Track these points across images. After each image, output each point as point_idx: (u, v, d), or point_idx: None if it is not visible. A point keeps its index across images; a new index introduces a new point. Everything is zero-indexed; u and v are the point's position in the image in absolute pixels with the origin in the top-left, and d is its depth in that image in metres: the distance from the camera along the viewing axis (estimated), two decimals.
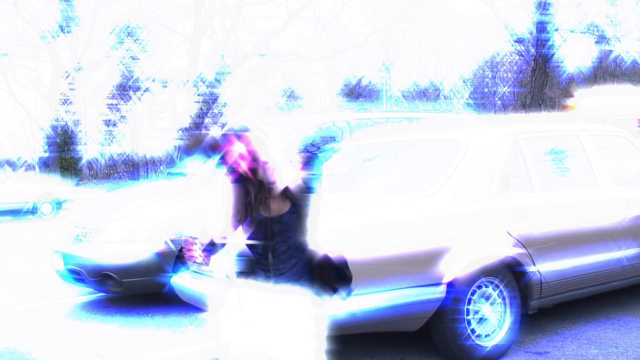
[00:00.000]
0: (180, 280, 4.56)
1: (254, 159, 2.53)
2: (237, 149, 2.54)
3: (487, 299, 4.05)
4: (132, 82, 31.56)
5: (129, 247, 5.49)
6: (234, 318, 2.68)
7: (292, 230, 2.61)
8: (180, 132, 29.85)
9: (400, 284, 3.71)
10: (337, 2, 33.44)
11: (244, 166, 2.54)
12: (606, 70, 31.78)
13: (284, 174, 2.56)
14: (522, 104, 23.95)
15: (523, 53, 22.46)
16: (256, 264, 2.64)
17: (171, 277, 4.87)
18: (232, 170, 2.56)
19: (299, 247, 2.62)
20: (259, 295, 2.63)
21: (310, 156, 2.68)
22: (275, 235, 2.60)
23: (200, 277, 4.38)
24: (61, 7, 29.49)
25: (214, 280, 4.19)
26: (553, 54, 19.92)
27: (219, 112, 30.02)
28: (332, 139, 6.35)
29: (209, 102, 29.27)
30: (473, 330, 3.96)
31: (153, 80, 32.45)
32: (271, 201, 2.60)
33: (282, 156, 2.59)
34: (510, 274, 4.13)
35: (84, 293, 6.40)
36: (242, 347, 2.66)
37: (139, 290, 5.62)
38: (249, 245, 2.65)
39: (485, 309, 4.03)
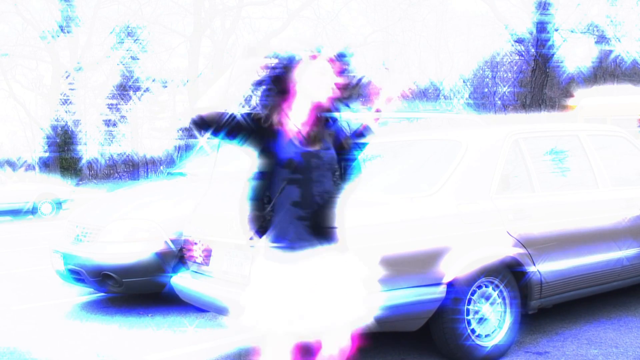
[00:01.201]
0: (180, 280, 4.56)
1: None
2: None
3: (487, 299, 4.05)
4: (132, 82, 31.56)
5: (129, 247, 5.49)
6: (263, 290, 2.61)
7: (327, 170, 2.57)
8: (180, 132, 29.86)
9: (400, 284, 3.71)
10: (337, 2, 33.47)
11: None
12: (606, 70, 31.78)
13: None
14: (522, 104, 23.95)
15: (523, 53, 22.46)
16: (298, 224, 2.55)
17: (171, 277, 4.87)
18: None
19: (335, 194, 2.57)
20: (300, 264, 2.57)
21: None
22: (313, 170, 2.54)
23: (200, 277, 4.38)
24: (61, 7, 29.50)
25: (214, 280, 4.19)
26: (553, 54, 19.92)
27: None
28: None
29: None
30: (473, 330, 3.96)
31: (153, 80, 32.45)
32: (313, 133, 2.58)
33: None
34: (510, 274, 4.13)
35: (84, 293, 6.40)
36: (263, 322, 2.58)
37: (139, 290, 5.62)
38: (286, 191, 2.55)
39: (485, 309, 4.03)
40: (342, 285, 2.59)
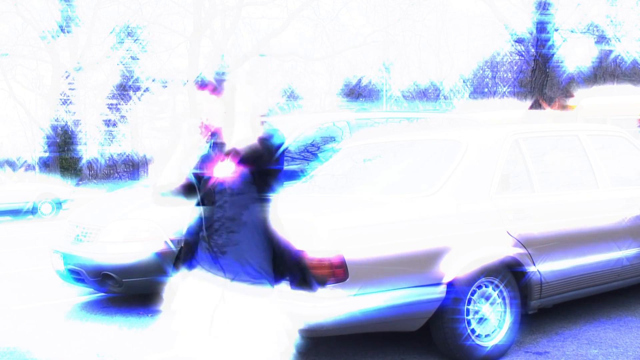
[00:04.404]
0: None
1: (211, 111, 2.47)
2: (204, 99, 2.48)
3: (487, 299, 4.05)
4: (132, 82, 31.58)
5: (129, 247, 5.49)
6: (186, 311, 2.56)
7: (231, 195, 2.45)
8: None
9: (400, 284, 3.71)
10: (337, 2, 33.45)
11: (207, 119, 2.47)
12: (606, 70, 31.79)
13: (237, 133, 2.41)
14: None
15: (523, 53, 22.46)
16: (202, 242, 2.52)
17: (171, 277, 4.86)
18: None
19: (240, 220, 2.45)
20: (211, 288, 2.49)
21: (271, 132, 2.46)
22: (216, 200, 2.47)
23: None
24: (61, 7, 29.52)
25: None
26: (553, 54, 19.92)
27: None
28: (332, 139, 6.35)
29: None
30: (473, 330, 3.96)
31: (153, 80, 32.47)
32: (220, 160, 2.48)
33: (244, 115, 2.43)
34: (510, 274, 4.13)
35: (84, 293, 6.40)
36: (192, 344, 2.53)
37: (139, 290, 5.62)
38: (198, 218, 2.52)
39: (485, 309, 4.02)
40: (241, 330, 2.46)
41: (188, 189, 2.56)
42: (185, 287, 2.59)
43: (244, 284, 2.46)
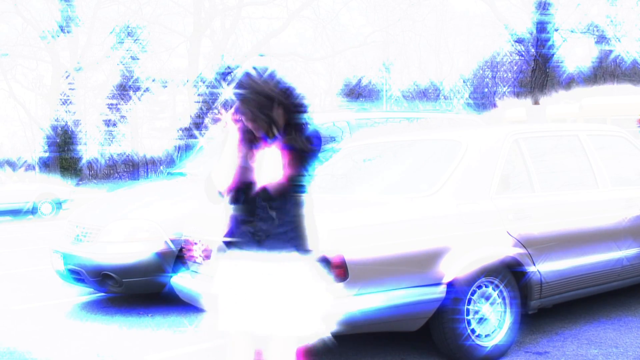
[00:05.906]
0: (180, 280, 4.56)
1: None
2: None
3: (487, 299, 4.05)
4: (132, 82, 31.58)
5: (129, 247, 5.49)
6: (225, 292, 2.63)
7: (273, 200, 2.56)
8: (180, 132, 29.87)
9: (400, 284, 3.71)
10: (337, 2, 33.49)
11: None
12: (606, 70, 31.81)
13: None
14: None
15: (523, 53, 22.44)
16: (244, 227, 2.59)
17: (171, 277, 4.87)
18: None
19: (282, 208, 2.56)
20: (250, 265, 2.58)
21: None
22: (258, 205, 2.57)
23: (200, 277, 4.38)
24: (61, 7, 29.52)
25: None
26: (553, 54, 19.90)
27: (219, 112, 30.03)
28: (332, 139, 6.35)
29: (209, 102, 29.26)
30: (473, 330, 3.96)
31: (153, 80, 32.47)
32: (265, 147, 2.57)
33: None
34: (510, 274, 4.13)
35: (84, 293, 6.40)
36: (229, 324, 2.61)
37: (139, 290, 5.62)
38: (236, 205, 2.61)
39: (485, 309, 4.03)
40: (284, 297, 2.55)
41: (237, 194, 2.62)
42: (224, 268, 2.66)
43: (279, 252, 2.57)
